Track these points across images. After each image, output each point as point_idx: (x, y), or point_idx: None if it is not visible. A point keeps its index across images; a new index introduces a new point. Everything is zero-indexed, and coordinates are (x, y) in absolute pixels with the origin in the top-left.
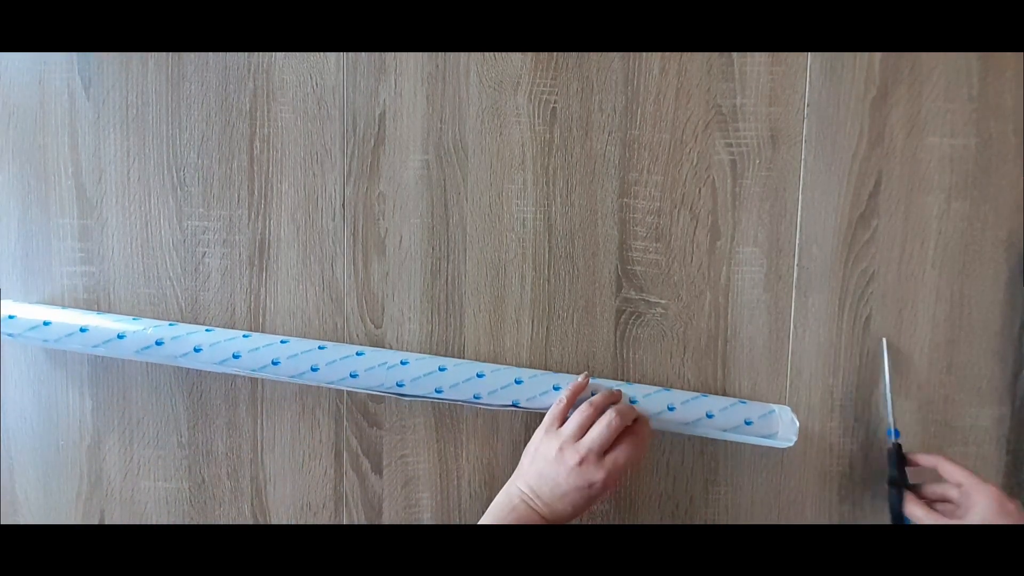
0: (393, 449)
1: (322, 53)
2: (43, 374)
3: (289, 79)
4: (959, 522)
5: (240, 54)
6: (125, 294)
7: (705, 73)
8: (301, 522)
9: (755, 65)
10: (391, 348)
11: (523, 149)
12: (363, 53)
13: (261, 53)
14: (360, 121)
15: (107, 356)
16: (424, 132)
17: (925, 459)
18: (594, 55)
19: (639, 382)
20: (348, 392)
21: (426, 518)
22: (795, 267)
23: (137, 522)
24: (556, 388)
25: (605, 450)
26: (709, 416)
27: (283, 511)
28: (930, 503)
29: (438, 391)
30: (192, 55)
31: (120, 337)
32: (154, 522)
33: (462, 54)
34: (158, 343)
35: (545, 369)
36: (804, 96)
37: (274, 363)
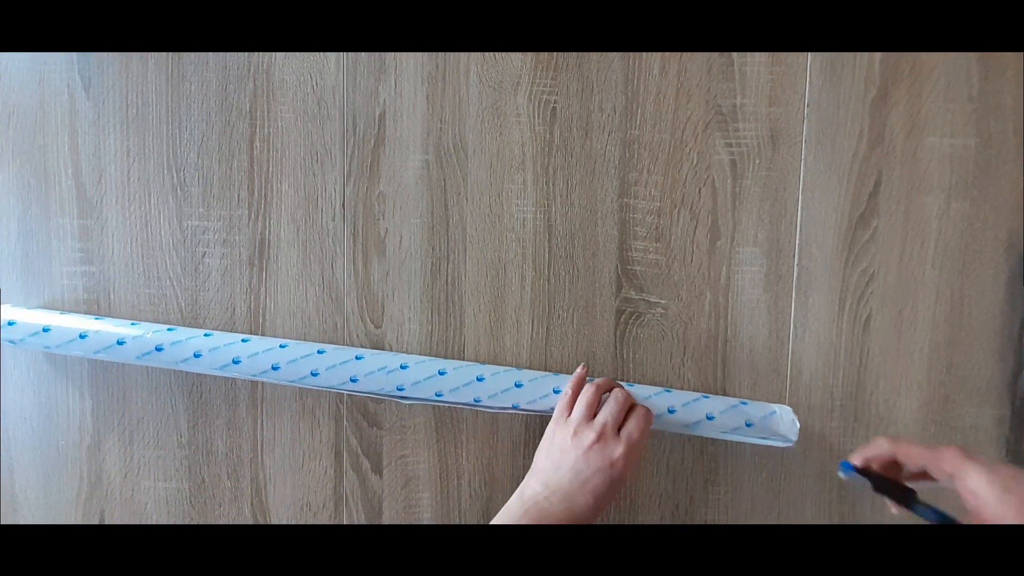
0: (393, 449)
1: (322, 53)
2: (43, 374)
3: (289, 79)
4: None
5: (240, 54)
6: (125, 294)
7: (705, 73)
8: (301, 522)
9: (755, 65)
10: (391, 348)
11: (523, 149)
12: (363, 53)
13: (261, 53)
14: (360, 121)
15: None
16: (424, 132)
17: (878, 453)
18: (594, 55)
19: (639, 382)
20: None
21: (426, 518)
22: (795, 267)
23: (137, 522)
24: (556, 391)
25: (619, 426)
26: (710, 418)
27: (283, 511)
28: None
29: (438, 395)
30: (192, 55)
31: (120, 343)
32: (154, 522)
33: (462, 54)
34: (158, 349)
35: (545, 369)
36: (804, 96)
37: (274, 368)
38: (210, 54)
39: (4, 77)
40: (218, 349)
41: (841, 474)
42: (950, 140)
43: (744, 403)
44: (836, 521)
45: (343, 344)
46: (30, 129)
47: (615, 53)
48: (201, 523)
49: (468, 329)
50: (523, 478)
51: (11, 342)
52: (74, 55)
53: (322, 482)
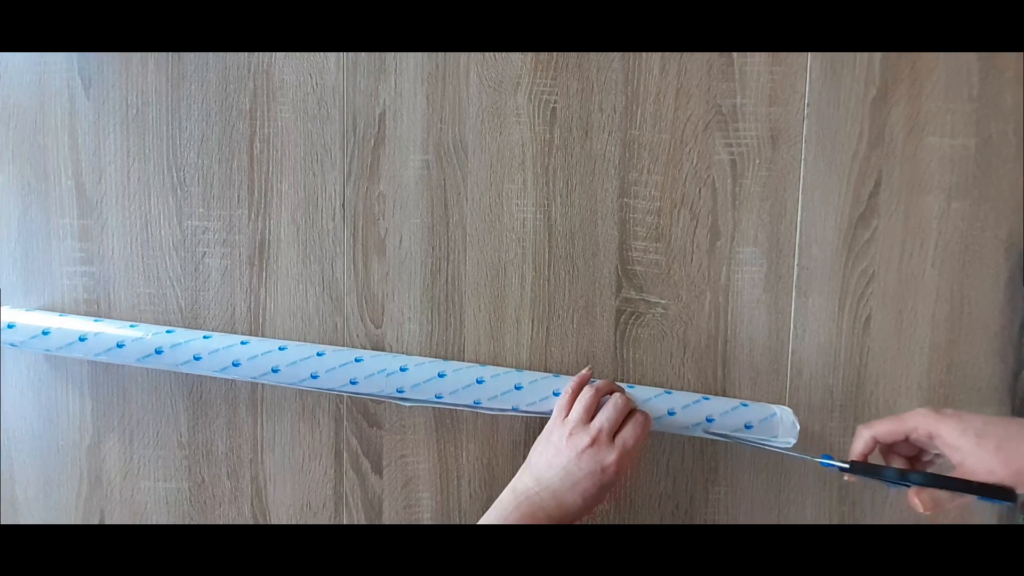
0: (393, 449)
1: (322, 53)
2: (43, 374)
3: (289, 79)
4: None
5: (240, 54)
6: (125, 294)
7: (705, 73)
8: (301, 522)
9: (755, 65)
10: (391, 348)
11: (523, 149)
12: (363, 53)
13: (261, 53)
14: (360, 121)
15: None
16: (424, 132)
17: (863, 443)
18: (594, 55)
19: (639, 382)
20: None
21: (426, 518)
22: (795, 267)
23: (137, 522)
24: (556, 393)
25: (615, 431)
26: (710, 420)
27: (283, 511)
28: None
29: (438, 397)
30: (192, 55)
31: (119, 346)
32: (154, 522)
33: (462, 54)
34: (157, 351)
35: (545, 369)
36: (804, 96)
37: (273, 371)
38: (210, 54)
39: (4, 77)
40: (218, 352)
41: (822, 464)
42: (950, 140)
43: (744, 404)
44: (836, 521)
45: (343, 345)
46: (30, 129)
47: (615, 53)
48: (201, 523)
49: (468, 329)
50: None
51: (12, 345)
52: (74, 55)
53: (322, 482)
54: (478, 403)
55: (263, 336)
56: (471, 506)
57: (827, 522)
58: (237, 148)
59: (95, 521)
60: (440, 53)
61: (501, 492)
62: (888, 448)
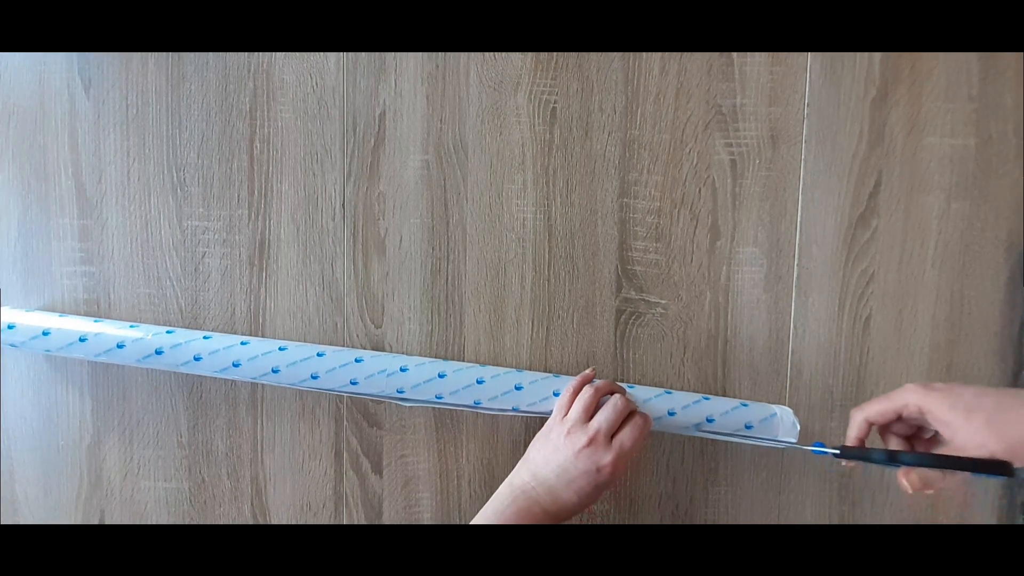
0: (393, 449)
1: (322, 53)
2: (43, 374)
3: (289, 79)
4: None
5: (240, 54)
6: (125, 294)
7: (705, 73)
8: (301, 522)
9: (755, 65)
10: (391, 348)
11: (523, 149)
12: (363, 53)
13: (261, 53)
14: (360, 121)
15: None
16: (424, 132)
17: (858, 428)
18: (594, 55)
19: (639, 382)
20: None
21: (426, 518)
22: (795, 267)
23: (137, 522)
24: (556, 394)
25: (613, 432)
26: (710, 420)
27: (283, 511)
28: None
29: (438, 397)
30: (192, 55)
31: (119, 347)
32: (154, 522)
33: (462, 54)
34: (157, 352)
35: (545, 369)
36: (804, 96)
37: (273, 371)
38: (210, 54)
39: (4, 77)
40: (218, 352)
41: (814, 451)
42: (950, 140)
43: (744, 404)
44: (836, 521)
45: (343, 344)
46: (30, 129)
47: (615, 53)
48: (201, 523)
49: (468, 329)
50: None
51: (12, 345)
52: (74, 55)
53: (322, 482)
54: (478, 403)
55: (263, 336)
56: (471, 506)
57: (827, 522)
58: (237, 148)
59: (95, 521)
60: (440, 53)
61: None
62: (885, 429)
